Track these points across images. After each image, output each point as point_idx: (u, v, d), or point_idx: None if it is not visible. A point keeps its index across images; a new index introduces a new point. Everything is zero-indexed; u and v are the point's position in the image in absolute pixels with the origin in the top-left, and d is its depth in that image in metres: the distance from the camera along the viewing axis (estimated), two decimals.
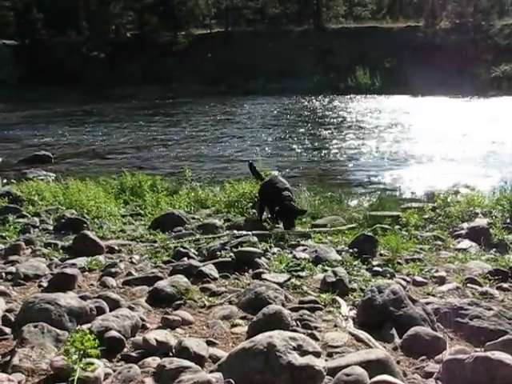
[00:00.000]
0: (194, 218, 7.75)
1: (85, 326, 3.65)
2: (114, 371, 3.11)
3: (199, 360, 3.22)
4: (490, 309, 3.93)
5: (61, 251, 5.95)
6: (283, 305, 4.22)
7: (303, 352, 2.97)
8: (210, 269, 5.12)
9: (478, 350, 3.34)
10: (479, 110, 26.80)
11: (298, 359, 2.90)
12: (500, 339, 3.18)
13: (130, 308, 4.07)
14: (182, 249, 5.79)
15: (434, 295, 4.65)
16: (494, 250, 6.33)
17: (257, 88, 39.66)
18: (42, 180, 10.64)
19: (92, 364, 2.87)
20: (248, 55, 45.20)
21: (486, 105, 29.66)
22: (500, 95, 32.64)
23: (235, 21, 55.15)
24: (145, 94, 38.73)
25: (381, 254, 5.90)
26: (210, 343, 3.56)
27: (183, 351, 3.26)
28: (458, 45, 40.34)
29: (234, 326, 3.95)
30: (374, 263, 5.49)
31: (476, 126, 20.76)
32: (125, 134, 21.69)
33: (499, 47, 40.45)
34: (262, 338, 3.04)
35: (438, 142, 17.63)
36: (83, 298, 4.21)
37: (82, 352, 2.83)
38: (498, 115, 24.15)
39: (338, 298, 4.40)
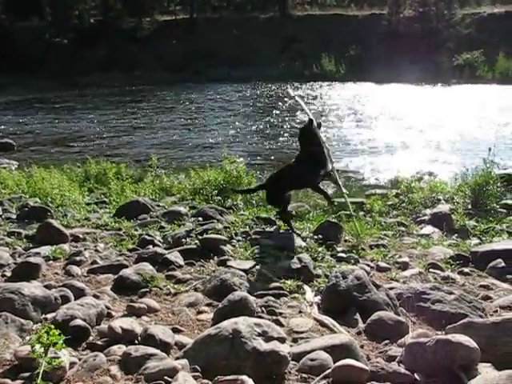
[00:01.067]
0: (159, 206, 7.72)
1: (49, 315, 3.63)
2: (80, 360, 3.09)
3: (165, 347, 3.22)
4: (451, 293, 4.01)
5: (24, 240, 5.87)
6: (248, 291, 4.23)
7: (268, 338, 3.00)
8: (175, 256, 5.11)
9: (440, 333, 3.41)
10: (442, 98, 27.16)
11: (262, 345, 2.93)
12: (460, 322, 3.24)
13: (95, 296, 4.05)
14: (147, 236, 5.76)
15: (397, 280, 4.73)
16: (456, 235, 6.47)
17: (222, 75, 39.45)
18: (5, 168, 10.46)
19: (57, 358, 2.83)
20: (213, 42, 44.87)
21: (449, 92, 30.08)
22: (462, 83, 33.17)
23: (200, 7, 54.59)
24: (109, 81, 38.17)
25: (345, 240, 5.97)
26: (175, 330, 3.56)
27: (149, 339, 3.26)
28: (421, 33, 40.78)
29: (199, 312, 3.96)
30: (339, 249, 5.56)
31: (439, 114, 21.04)
32: (89, 122, 21.40)
33: (461, 36, 41.02)
34: (227, 325, 3.06)
35: (401, 130, 17.82)
36: (48, 287, 4.17)
37: (47, 347, 2.80)
38: (460, 103, 24.54)
39: (302, 285, 4.43)
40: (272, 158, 13.85)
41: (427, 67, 35.84)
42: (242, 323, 3.04)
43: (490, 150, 8.07)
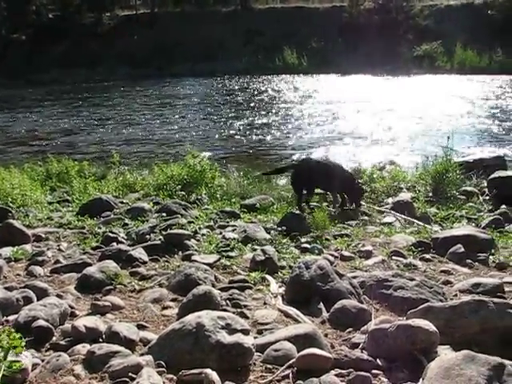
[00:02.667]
0: (122, 203, 7.66)
1: (11, 317, 3.57)
2: (43, 361, 3.05)
3: (130, 344, 3.20)
4: (413, 279, 4.08)
5: None
6: (213, 285, 4.24)
7: (232, 330, 3.01)
8: (139, 253, 5.08)
9: (402, 318, 3.47)
10: (403, 88, 27.52)
11: (226, 338, 2.94)
12: (420, 307, 3.31)
13: (59, 296, 4.00)
14: (110, 234, 5.71)
15: (360, 269, 4.79)
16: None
17: (185, 70, 39.25)
18: None
19: (18, 361, 2.79)
20: (175, 37, 44.52)
21: (409, 83, 30.48)
22: (422, 73, 33.66)
23: (161, 1, 54.06)
24: (70, 78, 37.61)
25: (310, 231, 6.01)
26: (140, 327, 3.54)
27: (113, 336, 3.24)
28: (381, 25, 41.14)
29: (164, 308, 3.95)
30: (303, 240, 5.60)
31: (400, 104, 21.32)
32: (50, 120, 21.06)
33: (420, 27, 41.57)
34: (190, 319, 3.06)
35: (363, 120, 18.01)
36: (9, 288, 4.10)
37: (7, 350, 2.76)
38: (420, 93, 24.89)
39: (267, 276, 4.46)
40: (235, 151, 13.86)
41: (388, 58, 36.25)
42: (206, 317, 3.04)
43: (448, 138, 8.23)
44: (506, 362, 2.61)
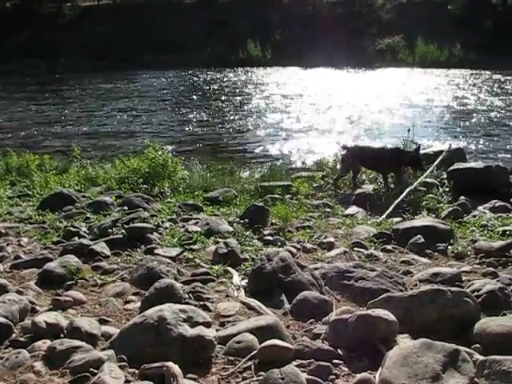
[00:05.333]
0: (84, 197, 7.56)
1: None
2: (1, 358, 3.01)
3: (91, 339, 3.18)
4: (374, 270, 4.15)
5: None
6: (176, 278, 4.24)
7: (194, 323, 3.01)
8: (101, 247, 5.04)
9: (363, 309, 3.52)
10: (366, 81, 27.76)
11: (188, 330, 2.94)
12: (380, 297, 3.37)
13: (19, 292, 3.94)
14: (72, 228, 5.64)
15: (322, 260, 4.84)
16: (380, 214, 6.66)
17: (148, 61, 38.67)
18: None
19: None
20: (138, 28, 43.94)
21: (372, 75, 30.78)
22: (384, 67, 34.02)
23: None
24: (32, 69, 36.78)
25: (272, 224, 6.04)
26: (102, 321, 3.52)
27: (75, 331, 3.21)
28: (345, 18, 41.40)
29: (126, 302, 3.93)
30: (266, 232, 5.63)
31: (363, 97, 21.51)
32: (9, 113, 20.58)
33: (382, 21, 41.98)
34: (152, 312, 3.06)
35: (327, 113, 18.14)
36: None
37: None
38: (382, 86, 25.15)
39: (229, 269, 4.48)
40: (199, 144, 13.81)
41: (351, 51, 36.46)
42: (168, 310, 3.04)
43: (409, 130, 8.35)
44: (461, 348, 2.68)
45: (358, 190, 7.50)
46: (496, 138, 14.41)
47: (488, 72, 31.40)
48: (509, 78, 29.10)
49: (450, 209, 6.76)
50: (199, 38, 42.23)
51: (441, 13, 40.00)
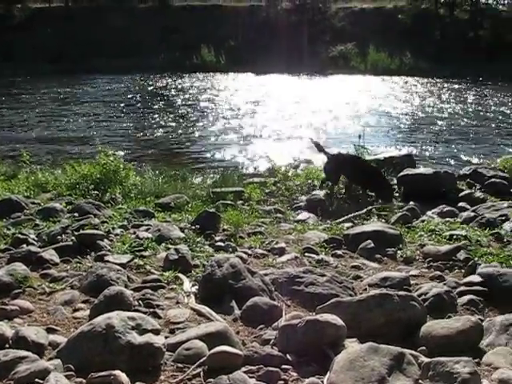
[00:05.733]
0: (33, 203, 7.40)
1: None
2: None
3: (38, 349, 3.11)
4: (324, 275, 4.18)
5: None
6: (126, 285, 4.18)
7: (142, 331, 2.99)
8: (50, 254, 4.93)
9: (312, 314, 3.54)
10: (319, 88, 28.09)
11: (137, 338, 2.91)
12: (329, 302, 3.40)
13: None
14: (20, 235, 5.50)
15: (273, 266, 4.85)
16: (331, 219, 6.72)
17: (101, 66, 38.17)
18: None
19: None
20: (91, 31, 43.41)
21: (325, 82, 31.17)
22: (337, 73, 34.53)
23: None
24: None
25: (224, 229, 6.03)
26: (50, 330, 3.45)
27: (21, 341, 3.13)
28: (298, 25, 41.87)
29: (75, 310, 3.86)
30: (217, 238, 5.62)
31: (315, 103, 21.75)
32: None
33: (335, 29, 42.65)
34: (100, 320, 3.01)
35: (280, 119, 18.27)
36: None
37: None
38: (335, 92, 25.51)
39: (180, 275, 4.45)
40: (151, 150, 13.71)
41: (305, 58, 36.93)
42: (116, 318, 3.00)
43: (359, 136, 8.48)
44: (406, 351, 2.74)
45: (309, 196, 7.57)
46: (444, 144, 14.78)
47: (436, 80, 32.20)
48: (456, 86, 29.92)
49: (400, 214, 6.88)
50: (153, 43, 42.03)
51: (392, 22, 40.90)
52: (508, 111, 21.78)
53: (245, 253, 5.16)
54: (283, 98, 23.26)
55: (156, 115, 19.87)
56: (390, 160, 9.54)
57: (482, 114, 21.16)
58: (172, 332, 3.43)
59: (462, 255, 5.20)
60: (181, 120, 18.85)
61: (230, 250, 5.24)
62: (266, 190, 8.14)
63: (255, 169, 11.11)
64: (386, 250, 5.41)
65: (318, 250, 5.35)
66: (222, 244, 5.41)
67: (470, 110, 22.16)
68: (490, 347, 3.23)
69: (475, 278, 4.38)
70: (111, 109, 21.65)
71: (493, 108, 22.76)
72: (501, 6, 49.13)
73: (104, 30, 43.61)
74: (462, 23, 44.45)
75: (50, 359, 3.00)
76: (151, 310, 3.75)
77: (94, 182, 7.93)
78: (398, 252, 5.42)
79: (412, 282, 4.47)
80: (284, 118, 18.59)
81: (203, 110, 20.95)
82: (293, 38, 39.10)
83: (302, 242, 5.67)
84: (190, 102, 23.37)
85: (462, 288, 4.27)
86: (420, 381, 2.60)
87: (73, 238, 5.39)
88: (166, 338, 3.22)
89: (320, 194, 7.63)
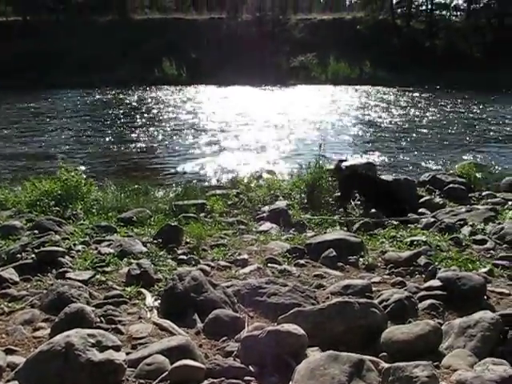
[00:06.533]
0: None
1: None
2: None
3: None
4: (286, 285, 4.20)
5: None
6: (88, 302, 4.13)
7: (103, 347, 2.95)
8: (9, 273, 4.83)
9: (275, 324, 3.55)
10: (280, 99, 28.27)
11: (97, 355, 2.87)
12: (290, 312, 3.42)
13: None
14: None
15: (236, 278, 4.84)
16: (293, 229, 6.77)
17: (60, 81, 37.67)
18: None
19: None
20: (50, 46, 42.87)
21: (286, 93, 31.38)
22: (298, 84, 34.87)
23: (35, 9, 51.61)
24: None
25: (186, 243, 6.01)
26: (9, 351, 3.38)
27: None
28: (259, 37, 42.15)
29: (36, 329, 3.79)
30: (180, 252, 5.59)
31: (276, 114, 21.89)
32: None
33: (295, 40, 43.05)
34: (59, 339, 2.97)
35: (242, 131, 18.34)
36: None
37: None
38: (296, 103, 25.70)
39: (142, 290, 4.41)
40: (113, 164, 13.59)
41: (266, 69, 37.16)
42: (75, 335, 2.96)
43: (320, 146, 8.56)
44: (366, 357, 2.76)
45: (272, 206, 7.60)
46: (405, 152, 15.00)
47: (396, 89, 32.74)
48: (414, 94, 30.46)
49: (361, 222, 6.96)
50: (113, 57, 41.74)
51: (351, 33, 41.52)
52: (465, 119, 22.26)
53: (208, 265, 5.15)
54: (245, 110, 23.33)
55: (117, 129, 19.71)
56: (352, 168, 9.64)
57: (440, 121, 21.56)
58: (134, 348, 3.39)
59: (422, 260, 5.28)
60: (143, 134, 18.73)
61: (193, 262, 5.23)
62: (229, 202, 8.15)
63: (218, 181, 11.10)
64: (348, 257, 5.46)
65: (280, 260, 5.37)
66: (184, 257, 5.40)
67: (429, 117, 22.57)
68: (449, 350, 3.28)
69: (435, 283, 4.44)
70: (72, 124, 21.38)
71: (450, 115, 23.23)
72: (454, 17, 50.74)
73: (64, 45, 43.18)
74: (419, 33, 45.50)
75: (8, 381, 2.94)
76: (113, 326, 3.71)
77: (55, 198, 7.83)
78: (360, 259, 5.48)
79: (374, 288, 4.52)
80: (246, 129, 18.65)
81: (165, 124, 20.86)
82: (254, 49, 39.32)
83: (265, 252, 5.68)
84: (151, 116, 23.25)
85: (423, 293, 4.32)
86: None
87: (33, 255, 5.30)
88: (128, 354, 3.19)
89: (282, 204, 7.66)
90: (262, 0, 46.54)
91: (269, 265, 5.21)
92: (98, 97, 32.11)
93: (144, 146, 16.49)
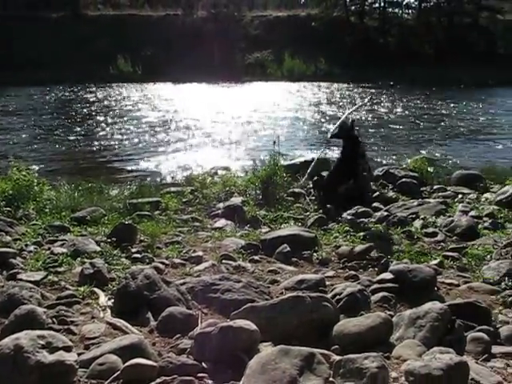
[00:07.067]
0: None
1: None
2: None
3: None
4: (240, 281, 4.22)
5: None
6: (39, 303, 4.06)
7: (53, 349, 2.91)
8: None
9: (228, 320, 3.56)
10: (235, 95, 28.29)
11: (47, 357, 2.83)
12: (243, 307, 3.43)
13: None
14: None
15: (191, 275, 4.84)
16: (248, 225, 6.80)
17: (9, 78, 36.75)
18: None
19: None
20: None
21: (242, 90, 31.44)
22: (254, 80, 34.94)
23: None
24: None
25: (141, 241, 5.97)
26: None
27: None
28: (214, 33, 42.05)
29: None
30: (134, 250, 5.56)
31: (232, 111, 21.92)
32: None
33: (251, 36, 43.12)
34: (8, 342, 2.91)
35: (197, 128, 18.29)
36: None
37: None
38: (251, 99, 25.76)
39: (96, 290, 4.37)
40: (67, 163, 13.38)
41: (222, 66, 37.12)
42: (24, 337, 2.91)
43: (274, 142, 8.60)
44: (317, 350, 2.80)
45: (227, 203, 7.60)
46: None
47: (350, 85, 33.13)
48: (369, 90, 30.88)
49: (316, 217, 7.03)
50: (67, 54, 41.02)
51: (306, 29, 41.80)
52: (417, 114, 22.68)
53: (162, 263, 5.14)
54: (201, 108, 23.27)
55: (71, 128, 19.37)
56: (306, 164, 9.72)
57: (393, 116, 21.93)
58: (87, 348, 3.36)
59: (375, 254, 5.38)
60: (98, 132, 18.49)
61: (147, 261, 5.21)
62: (184, 199, 8.12)
63: (173, 178, 11.02)
64: (303, 252, 5.52)
65: (235, 257, 5.38)
66: (138, 255, 5.37)
67: (383, 112, 22.92)
68: (399, 341, 3.35)
69: (387, 276, 4.54)
70: (25, 122, 20.90)
71: (403, 111, 23.65)
72: (406, 15, 51.89)
73: (14, 41, 42.22)
74: (372, 30, 46.21)
75: None
76: (65, 326, 3.66)
77: (6, 198, 7.66)
78: (314, 254, 5.55)
79: (328, 282, 4.58)
80: (202, 127, 18.60)
81: (121, 122, 20.63)
82: (210, 46, 39.24)
83: (220, 249, 5.70)
84: (106, 114, 22.94)
85: (375, 286, 4.41)
86: (331, 379, 2.66)
87: None
88: (80, 354, 3.15)
89: (237, 200, 7.68)
90: None
91: (223, 261, 5.22)
92: (49, 95, 31.48)
93: (99, 144, 16.27)
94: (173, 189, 8.78)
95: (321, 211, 7.53)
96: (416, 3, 51.78)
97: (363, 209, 7.55)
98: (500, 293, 4.35)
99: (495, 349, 3.33)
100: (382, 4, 50.61)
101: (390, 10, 51.67)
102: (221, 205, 7.72)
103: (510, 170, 9.96)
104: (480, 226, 6.55)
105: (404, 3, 52.60)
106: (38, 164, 12.01)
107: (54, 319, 3.79)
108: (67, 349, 2.98)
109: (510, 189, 7.83)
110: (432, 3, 50.75)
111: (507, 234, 6.19)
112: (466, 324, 3.49)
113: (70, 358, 2.91)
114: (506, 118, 20.96)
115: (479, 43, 44.56)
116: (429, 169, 9.98)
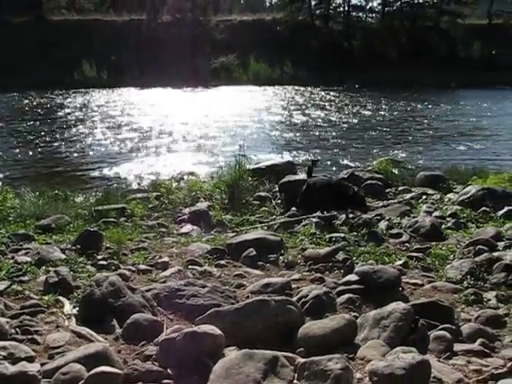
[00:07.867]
0: None
1: None
2: None
3: None
4: (205, 286, 4.22)
5: None
6: (2, 313, 4.00)
7: (15, 359, 2.90)
8: None
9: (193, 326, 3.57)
10: (201, 100, 28.26)
11: (9, 368, 2.80)
12: (207, 312, 3.44)
13: None
14: None
15: (157, 281, 4.83)
16: (214, 230, 6.80)
17: None
18: None
19: None
20: None
21: (207, 94, 31.42)
22: (219, 85, 34.98)
23: None
24: None
25: (107, 248, 5.93)
26: None
27: None
28: (179, 38, 41.97)
29: None
30: (99, 257, 5.51)
31: (197, 116, 21.89)
32: None
33: (216, 41, 43.18)
34: None
35: (162, 133, 18.27)
36: None
37: None
38: (217, 103, 25.77)
39: (60, 298, 4.32)
40: (31, 170, 13.20)
41: (187, 71, 37.07)
42: None
43: (240, 146, 8.64)
44: (281, 354, 2.83)
45: (192, 208, 7.61)
46: (324, 150, 15.30)
47: (316, 88, 33.39)
48: (335, 93, 31.15)
49: (282, 220, 7.07)
50: (30, 60, 40.42)
51: (271, 33, 42.02)
52: (382, 116, 22.97)
53: (128, 270, 5.11)
54: (166, 113, 23.19)
55: (35, 134, 19.07)
56: (272, 167, 9.77)
57: (359, 119, 22.16)
58: (51, 357, 3.32)
59: (340, 256, 5.43)
60: (63, 139, 18.25)
61: (113, 267, 5.17)
62: (150, 205, 8.10)
63: (139, 184, 10.96)
64: (269, 256, 5.54)
65: (201, 262, 5.39)
66: (104, 262, 5.32)
67: (349, 116, 23.15)
68: (364, 341, 3.39)
69: (352, 277, 4.58)
70: None
71: (369, 113, 23.92)
72: (370, 19, 52.68)
73: None
74: (337, 34, 46.69)
75: None
76: (29, 336, 3.61)
77: None
78: (280, 257, 5.57)
79: (294, 285, 4.60)
80: (167, 132, 18.56)
81: (84, 128, 20.41)
82: (175, 51, 39.11)
83: (186, 254, 5.69)
84: (71, 120, 22.68)
85: (341, 288, 4.45)
86: (295, 381, 2.69)
87: None
88: (44, 364, 3.12)
89: (203, 205, 7.69)
90: (182, 1, 46.27)
91: (189, 267, 5.22)
92: (13, 101, 31.00)
93: (65, 151, 16.08)
94: (138, 195, 8.75)
95: (286, 214, 7.57)
96: (379, 7, 52.63)
97: (330, 212, 7.60)
98: (462, 291, 4.43)
99: (457, 346, 3.39)
100: (347, 8, 51.26)
101: (354, 13, 52.45)
102: (187, 210, 7.72)
103: (473, 170, 10.15)
104: (443, 226, 6.67)
105: (368, 7, 53.48)
106: (0, 172, 11.83)
107: (18, 329, 3.74)
108: (30, 359, 2.96)
109: (472, 189, 7.99)
110: (395, 7, 51.60)
111: (469, 233, 6.32)
112: (429, 323, 3.55)
113: (33, 368, 2.88)
114: (467, 120, 21.37)
115: (440, 47, 45.52)
116: (393, 170, 10.12)
